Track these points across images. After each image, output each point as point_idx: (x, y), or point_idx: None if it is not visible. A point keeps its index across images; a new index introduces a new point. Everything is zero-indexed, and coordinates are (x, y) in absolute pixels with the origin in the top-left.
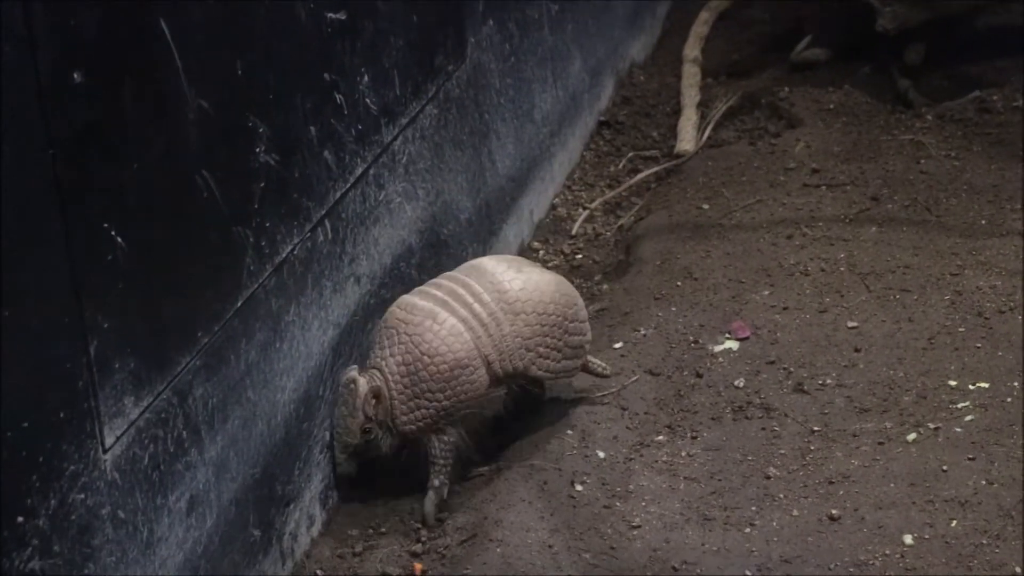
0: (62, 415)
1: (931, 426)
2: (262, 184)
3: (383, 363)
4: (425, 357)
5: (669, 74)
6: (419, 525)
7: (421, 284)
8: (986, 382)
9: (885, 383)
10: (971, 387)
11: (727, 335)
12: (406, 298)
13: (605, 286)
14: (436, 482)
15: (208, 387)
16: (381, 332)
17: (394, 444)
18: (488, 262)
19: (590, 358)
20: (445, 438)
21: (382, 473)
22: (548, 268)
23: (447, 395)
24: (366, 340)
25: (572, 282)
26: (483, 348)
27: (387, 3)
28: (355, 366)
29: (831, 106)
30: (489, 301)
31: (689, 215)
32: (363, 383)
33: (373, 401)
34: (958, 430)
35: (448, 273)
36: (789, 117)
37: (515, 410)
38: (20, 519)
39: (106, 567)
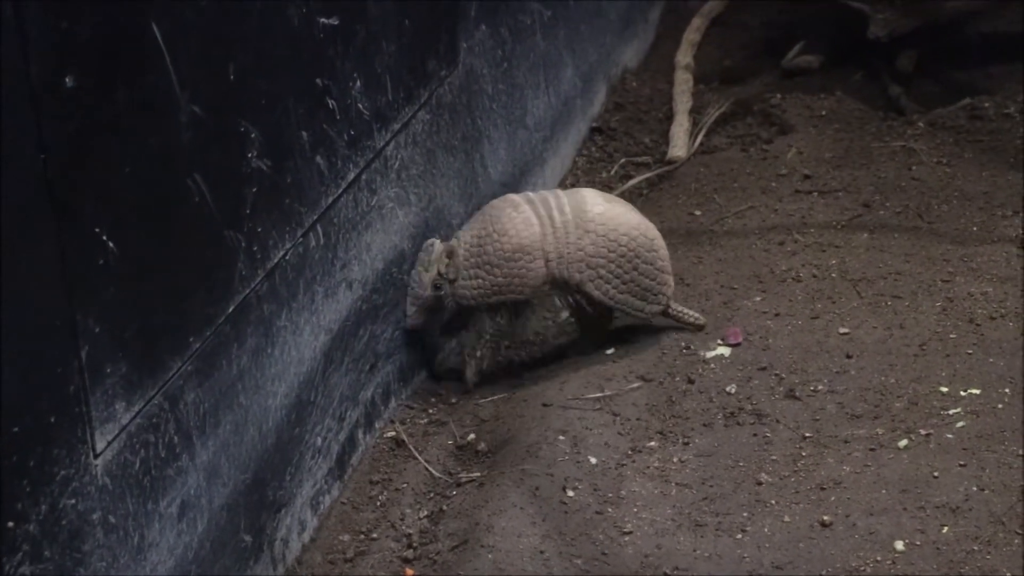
0: (53, 420)
1: (922, 432)
2: (254, 189)
3: (463, 234)
4: (495, 234)
5: (661, 80)
6: (468, 387)
7: None
8: (977, 388)
9: (877, 389)
10: (962, 393)
11: (719, 341)
12: (508, 195)
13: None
14: (479, 353)
15: (200, 392)
16: (474, 216)
17: (453, 308)
18: (588, 191)
19: (679, 307)
20: (498, 319)
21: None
22: None
23: (504, 272)
24: (358, 345)
25: None
26: (547, 245)
27: (379, 8)
28: (435, 238)
29: (823, 113)
30: (568, 212)
31: (681, 221)
32: (440, 243)
33: (447, 259)
34: (949, 436)
35: (552, 189)
36: (781, 123)
37: (579, 340)
38: (11, 524)
39: (97, 572)
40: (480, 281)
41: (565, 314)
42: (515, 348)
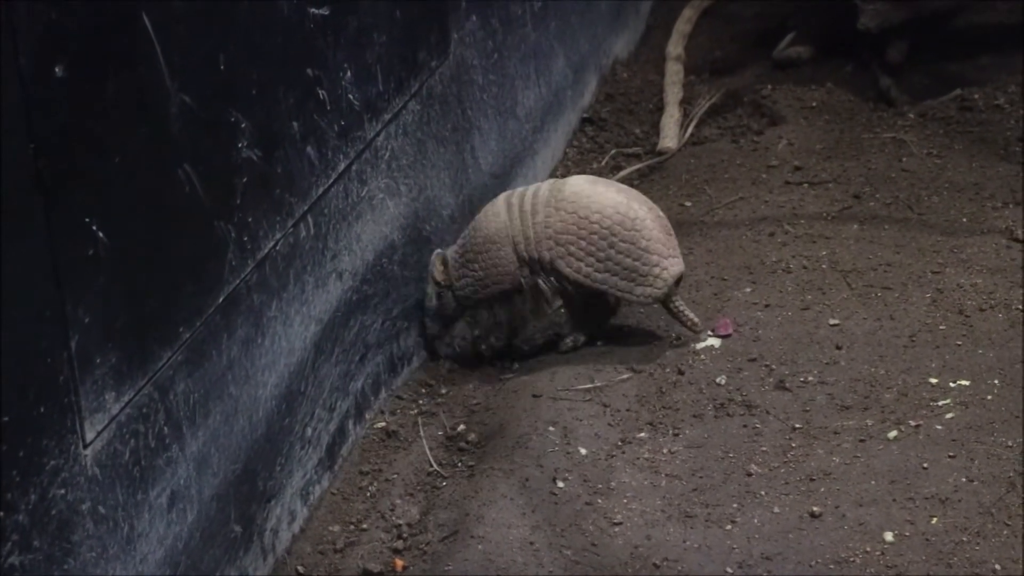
0: (42, 410)
1: (912, 423)
2: (244, 179)
3: (459, 239)
4: (472, 230)
5: (652, 71)
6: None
7: (403, 281)
8: (967, 380)
9: (866, 380)
10: (952, 385)
11: (709, 332)
12: None
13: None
14: (477, 332)
15: (189, 383)
16: None
17: (456, 307)
18: (581, 176)
19: (681, 303)
20: (496, 313)
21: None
22: None
23: (481, 265)
24: (348, 336)
25: None
26: (513, 231)
27: None
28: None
29: (813, 104)
30: (542, 194)
31: (671, 212)
32: (436, 253)
33: (440, 267)
34: (939, 427)
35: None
36: (771, 115)
37: (571, 334)
38: (0, 514)
39: (86, 563)
40: (467, 279)
41: (557, 303)
42: (512, 339)
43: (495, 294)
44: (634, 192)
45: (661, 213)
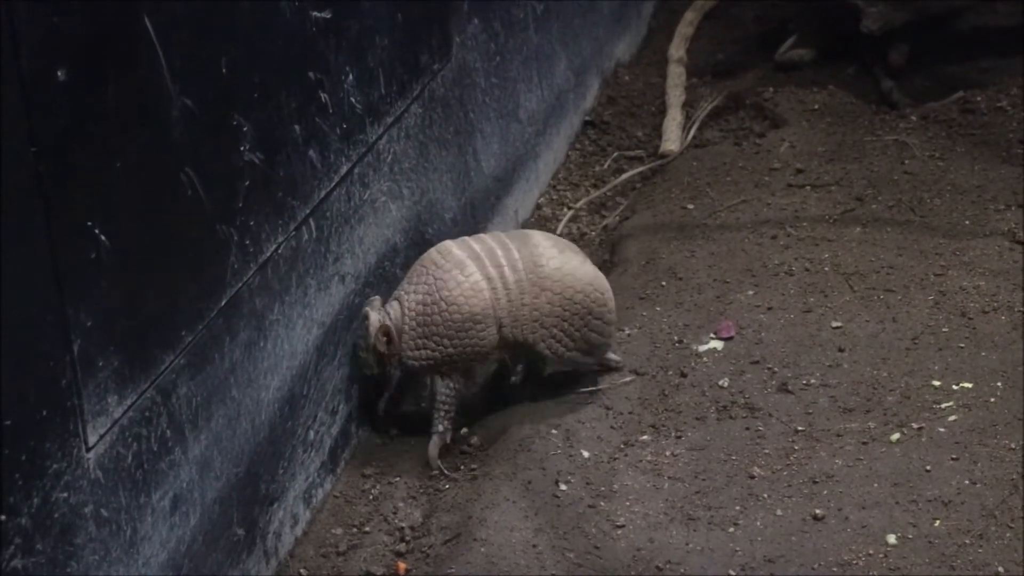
0: (45, 413)
1: (915, 426)
2: (246, 182)
3: (405, 297)
4: (443, 303)
5: (654, 74)
6: (432, 471)
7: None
8: (969, 382)
9: (869, 383)
10: (955, 387)
11: (712, 335)
12: (446, 243)
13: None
14: (440, 427)
15: (192, 386)
16: (414, 268)
17: (401, 376)
18: (538, 235)
19: (610, 355)
20: (451, 384)
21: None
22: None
23: (454, 343)
24: (350, 339)
25: None
26: (499, 311)
27: (372, 2)
28: (377, 297)
29: (816, 106)
30: (521, 269)
31: (674, 215)
32: (375, 320)
33: (384, 339)
34: (941, 430)
35: (498, 232)
36: (774, 117)
37: (514, 373)
38: (2, 517)
39: (89, 566)
40: (429, 352)
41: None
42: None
43: (456, 367)
44: (586, 256)
45: None
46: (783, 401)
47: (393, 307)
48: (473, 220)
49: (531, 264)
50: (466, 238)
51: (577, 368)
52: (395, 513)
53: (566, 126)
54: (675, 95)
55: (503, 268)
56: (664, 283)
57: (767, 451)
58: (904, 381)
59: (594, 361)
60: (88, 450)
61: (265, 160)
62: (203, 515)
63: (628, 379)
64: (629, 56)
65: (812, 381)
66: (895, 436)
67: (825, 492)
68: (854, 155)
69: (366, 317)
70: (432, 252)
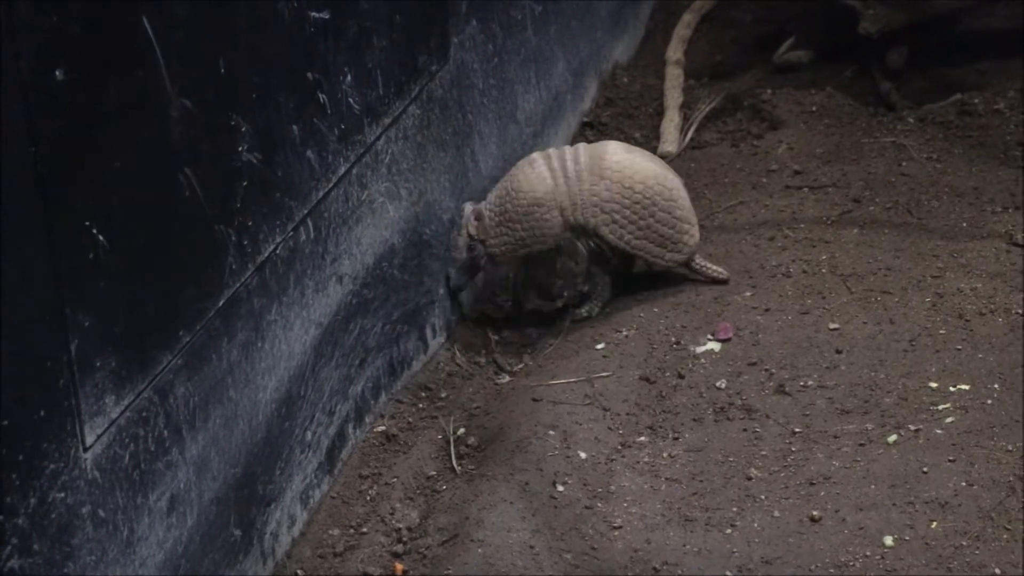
0: (43, 413)
1: (912, 428)
2: (244, 183)
3: (491, 195)
4: (513, 192)
5: (652, 75)
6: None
7: (403, 284)
8: (967, 384)
9: (866, 385)
10: (952, 389)
11: (709, 336)
12: (532, 154)
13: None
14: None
15: (189, 386)
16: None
17: (486, 261)
18: (612, 142)
19: (703, 261)
20: (571, 263)
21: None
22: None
23: (524, 227)
24: (348, 340)
25: None
26: (559, 196)
27: (370, 2)
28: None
29: (813, 108)
30: (583, 161)
31: None
32: (469, 208)
33: (475, 222)
34: (939, 432)
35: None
36: (771, 119)
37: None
38: (0, 517)
39: (86, 566)
40: (506, 237)
41: (584, 265)
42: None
43: (531, 253)
44: (661, 160)
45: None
46: (780, 402)
47: (480, 206)
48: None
49: (596, 157)
50: (552, 148)
51: (663, 267)
52: (392, 514)
53: (564, 127)
54: (673, 97)
55: (566, 161)
56: (662, 284)
57: (764, 452)
58: (901, 383)
59: (679, 261)
60: (85, 450)
61: (263, 160)
62: (200, 516)
63: (625, 379)
64: (627, 58)
65: (809, 383)
66: (892, 438)
67: (822, 493)
68: (852, 157)
69: (463, 209)
70: (519, 161)
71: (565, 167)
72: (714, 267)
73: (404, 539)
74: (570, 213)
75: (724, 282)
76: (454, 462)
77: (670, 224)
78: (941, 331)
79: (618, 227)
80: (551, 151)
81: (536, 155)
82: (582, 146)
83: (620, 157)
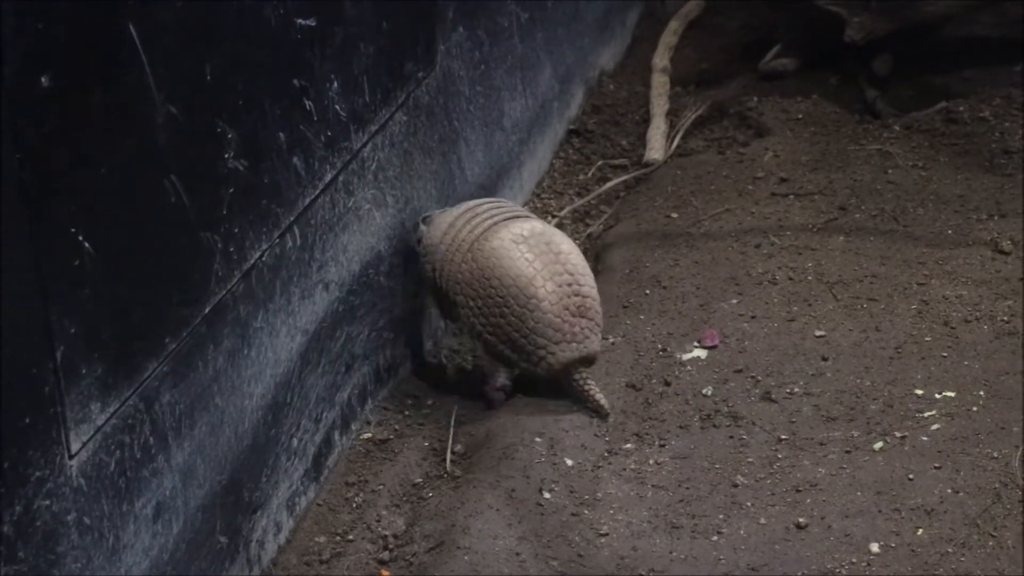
0: (28, 420)
1: (898, 435)
2: (231, 190)
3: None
4: (423, 226)
5: (638, 83)
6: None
7: (390, 291)
8: (952, 391)
9: (852, 392)
10: (937, 396)
11: (695, 343)
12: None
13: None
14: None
15: (175, 393)
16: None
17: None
18: (529, 225)
19: (585, 386)
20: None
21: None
22: None
23: (423, 264)
24: (335, 347)
25: None
26: (436, 255)
27: (357, 9)
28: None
29: (799, 116)
30: (473, 233)
31: (658, 224)
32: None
33: (423, 227)
34: (924, 439)
35: (516, 207)
36: (757, 126)
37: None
38: None
39: (71, 573)
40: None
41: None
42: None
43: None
44: (567, 263)
45: (585, 291)
46: (767, 410)
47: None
48: None
49: (489, 232)
50: (491, 199)
51: (493, 354)
52: (378, 521)
53: (550, 134)
54: (659, 104)
55: (465, 224)
56: (648, 292)
57: (750, 460)
58: (887, 390)
59: (537, 375)
60: (71, 457)
61: (249, 167)
62: (186, 523)
63: (612, 387)
64: (613, 65)
65: (795, 390)
66: (878, 445)
67: (808, 500)
68: (838, 164)
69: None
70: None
71: (458, 231)
72: (597, 394)
73: (390, 546)
74: (437, 276)
75: (601, 415)
76: (448, 465)
77: (522, 332)
78: (927, 338)
79: (471, 314)
80: (477, 202)
81: (462, 205)
82: (496, 214)
83: (502, 245)
